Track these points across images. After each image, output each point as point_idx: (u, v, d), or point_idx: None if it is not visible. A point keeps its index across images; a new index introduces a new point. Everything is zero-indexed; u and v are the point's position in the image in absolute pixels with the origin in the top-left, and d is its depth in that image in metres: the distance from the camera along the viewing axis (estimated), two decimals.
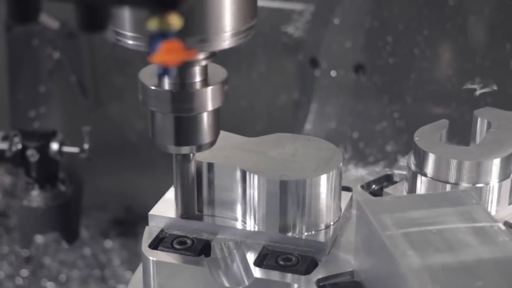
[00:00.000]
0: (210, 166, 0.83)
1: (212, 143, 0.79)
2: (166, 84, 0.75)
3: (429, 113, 1.34)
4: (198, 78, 0.76)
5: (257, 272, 0.78)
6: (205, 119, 0.77)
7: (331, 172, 0.81)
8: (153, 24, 0.58)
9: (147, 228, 0.85)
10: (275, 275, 0.77)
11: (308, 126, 1.41)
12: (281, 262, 0.79)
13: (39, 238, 1.51)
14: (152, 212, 0.86)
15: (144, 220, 0.86)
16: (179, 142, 0.77)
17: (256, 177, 0.80)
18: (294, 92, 1.43)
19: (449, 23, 1.31)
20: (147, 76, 0.77)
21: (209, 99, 0.76)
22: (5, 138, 1.31)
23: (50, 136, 1.30)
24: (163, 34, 0.59)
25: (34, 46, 1.54)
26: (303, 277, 0.77)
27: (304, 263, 0.79)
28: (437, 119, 0.91)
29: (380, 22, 1.34)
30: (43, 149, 1.29)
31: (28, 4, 0.58)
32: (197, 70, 0.75)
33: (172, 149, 0.78)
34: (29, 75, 1.56)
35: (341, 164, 0.83)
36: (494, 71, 1.31)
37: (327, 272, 0.78)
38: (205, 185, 0.84)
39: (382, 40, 1.34)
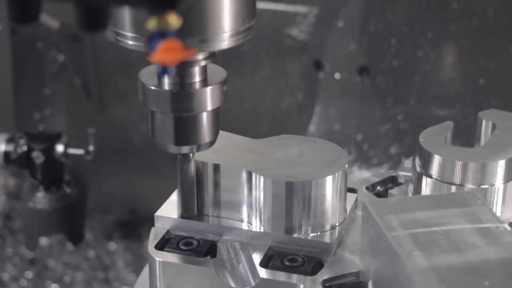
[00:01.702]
0: (216, 167, 0.83)
1: (212, 142, 0.80)
2: (166, 84, 0.76)
3: (433, 115, 1.34)
4: (197, 78, 0.76)
5: (263, 273, 0.78)
6: (205, 118, 0.78)
7: (336, 174, 0.81)
8: (152, 24, 0.59)
9: (153, 229, 0.85)
10: (281, 276, 0.78)
11: (312, 128, 1.41)
12: (287, 263, 0.79)
13: (43, 240, 1.51)
14: (158, 213, 0.86)
15: (148, 222, 0.87)
16: (179, 142, 0.78)
17: (262, 178, 0.80)
18: (298, 94, 1.43)
19: (453, 25, 1.31)
20: (147, 76, 0.78)
21: (209, 99, 0.77)
22: (10, 140, 1.31)
23: (55, 138, 1.30)
24: (162, 34, 0.60)
25: (39, 49, 1.54)
26: (309, 278, 0.77)
27: (310, 264, 0.79)
28: (441, 121, 0.91)
29: (384, 25, 1.34)
30: (49, 151, 1.29)
31: (29, 4, 0.59)
32: (196, 70, 0.76)
33: (172, 148, 0.79)
34: (33, 77, 1.56)
35: (347, 165, 0.83)
36: (498, 74, 1.31)
37: (332, 273, 0.78)
38: (211, 186, 0.84)
39: (386, 43, 1.34)
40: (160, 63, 0.62)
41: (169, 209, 0.86)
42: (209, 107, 0.77)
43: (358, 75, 1.38)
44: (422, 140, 0.87)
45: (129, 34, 0.73)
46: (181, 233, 0.84)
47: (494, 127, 0.90)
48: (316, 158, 0.84)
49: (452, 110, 1.33)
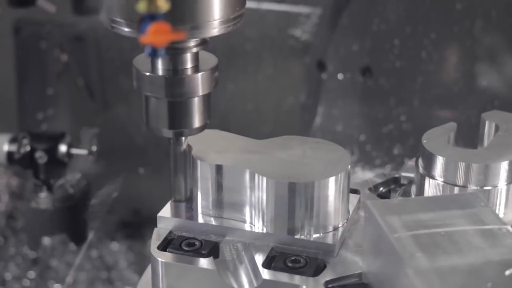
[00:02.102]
0: (219, 168, 0.83)
1: (203, 127, 0.83)
2: (160, 70, 0.79)
3: (436, 116, 1.34)
4: (189, 65, 0.79)
5: (265, 274, 0.78)
6: (196, 103, 0.81)
7: (339, 175, 0.81)
8: (141, 6, 0.62)
9: (155, 229, 0.85)
10: (283, 277, 0.78)
11: (315, 128, 1.41)
12: (290, 264, 0.79)
13: (46, 240, 1.51)
14: (161, 214, 0.86)
15: (151, 222, 0.87)
16: (172, 126, 0.81)
17: (264, 179, 0.80)
18: (301, 95, 1.43)
19: (456, 26, 1.31)
20: (141, 63, 0.80)
21: (200, 85, 0.80)
22: (13, 140, 1.31)
23: (59, 138, 1.31)
24: (151, 16, 0.63)
25: (42, 49, 1.54)
26: (311, 279, 0.77)
27: (312, 265, 0.79)
28: (444, 122, 0.91)
29: (387, 25, 1.34)
30: (52, 151, 1.30)
31: None
32: (188, 56, 0.79)
33: (166, 132, 0.82)
34: (37, 77, 1.57)
35: (349, 166, 0.83)
36: (501, 75, 1.31)
37: (335, 274, 0.78)
38: (213, 187, 0.84)
39: (389, 43, 1.34)
40: (150, 45, 0.64)
41: (172, 210, 0.86)
42: (200, 92, 0.80)
43: (361, 75, 1.37)
44: (425, 141, 0.87)
45: (124, 21, 0.75)
46: (183, 234, 0.84)
47: (497, 128, 0.90)
48: (319, 159, 0.84)
49: (455, 111, 1.33)
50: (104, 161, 1.36)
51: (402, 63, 1.35)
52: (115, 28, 0.76)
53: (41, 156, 1.29)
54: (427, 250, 0.69)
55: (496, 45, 1.30)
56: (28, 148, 1.30)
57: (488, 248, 0.69)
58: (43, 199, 1.33)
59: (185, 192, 0.87)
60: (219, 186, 0.84)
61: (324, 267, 0.79)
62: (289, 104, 1.45)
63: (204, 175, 0.84)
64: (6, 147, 1.31)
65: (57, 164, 1.31)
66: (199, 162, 0.84)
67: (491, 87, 1.32)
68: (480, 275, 0.66)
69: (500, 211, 0.85)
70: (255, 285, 0.78)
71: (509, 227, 0.72)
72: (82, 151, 1.31)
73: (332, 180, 0.80)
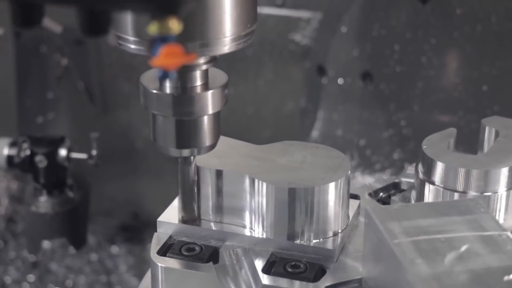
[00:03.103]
0: (219, 173, 0.83)
1: (213, 146, 0.80)
2: (168, 87, 0.76)
3: (436, 121, 1.34)
4: (199, 82, 0.77)
5: (265, 279, 0.78)
6: (206, 122, 0.78)
7: (339, 180, 0.81)
8: (153, 28, 0.60)
9: (155, 234, 0.85)
10: (283, 282, 0.78)
11: (315, 133, 1.41)
12: (289, 269, 0.79)
13: (46, 244, 1.51)
14: (161, 218, 0.86)
15: (150, 226, 0.87)
16: (180, 145, 0.78)
17: (264, 184, 0.80)
18: (301, 99, 1.43)
19: (457, 31, 1.31)
20: (148, 80, 0.78)
21: (210, 103, 0.77)
22: (13, 144, 1.31)
23: (58, 142, 1.31)
24: (163, 38, 0.60)
25: (42, 53, 1.54)
26: (311, 284, 0.77)
27: (312, 270, 0.79)
28: (444, 128, 0.91)
29: (387, 30, 1.34)
30: (51, 155, 1.29)
31: (31, 8, 0.59)
32: (198, 74, 0.77)
33: (173, 151, 0.79)
34: (37, 81, 1.57)
35: (349, 172, 0.83)
36: (501, 80, 1.31)
37: (335, 279, 0.78)
38: (213, 192, 0.84)
39: (389, 48, 1.34)
40: (161, 68, 0.62)
41: (172, 215, 0.86)
42: (210, 110, 0.77)
43: (361, 80, 1.37)
44: (425, 146, 0.87)
45: (131, 38, 0.73)
46: (183, 239, 0.84)
47: (497, 134, 0.90)
48: (319, 164, 0.84)
49: (455, 116, 1.33)
50: (104, 165, 1.36)
51: (403, 68, 1.35)
52: (122, 45, 0.74)
53: (41, 160, 1.29)
54: (427, 256, 0.69)
55: (496, 50, 1.30)
56: (28, 152, 1.30)
57: (488, 254, 0.69)
58: (43, 203, 1.33)
59: (193, 212, 0.85)
60: (219, 191, 0.84)
61: (324, 272, 0.79)
62: (289, 109, 1.45)
63: (204, 180, 0.84)
64: (6, 151, 1.31)
65: (57, 168, 1.31)
66: (199, 167, 0.84)
67: (491, 92, 1.32)
68: (479, 281, 0.66)
69: (500, 217, 0.85)
70: None
71: (509, 233, 0.72)
72: (82, 155, 1.31)
73: (332, 186, 0.80)
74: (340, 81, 1.39)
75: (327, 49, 1.38)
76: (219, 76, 0.79)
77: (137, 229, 1.61)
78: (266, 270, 0.79)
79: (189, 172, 0.82)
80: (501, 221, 0.84)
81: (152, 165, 1.56)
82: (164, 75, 0.64)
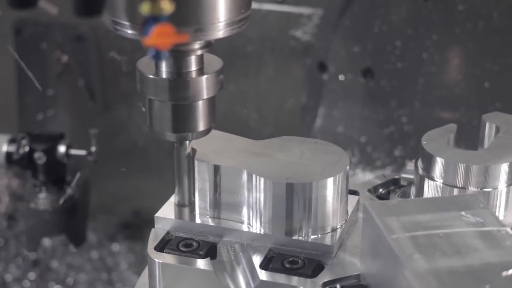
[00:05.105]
0: (217, 168, 0.83)
1: (208, 130, 0.81)
2: (164, 73, 0.78)
3: (437, 118, 1.34)
4: (194, 67, 0.78)
5: (263, 275, 0.78)
6: (201, 107, 0.79)
7: (337, 175, 0.81)
8: (145, 8, 0.61)
9: (153, 230, 0.85)
10: (281, 278, 0.77)
11: (315, 130, 1.41)
12: (287, 265, 0.79)
13: (46, 241, 1.51)
14: (158, 214, 0.86)
15: (151, 223, 0.86)
16: (176, 129, 0.80)
17: (262, 179, 0.80)
18: (302, 96, 1.43)
19: (458, 28, 1.30)
20: (145, 65, 0.79)
21: (204, 88, 0.78)
22: (12, 141, 1.31)
23: (58, 138, 1.30)
24: (155, 18, 0.61)
25: (43, 50, 1.54)
26: (309, 280, 0.77)
27: (310, 266, 0.78)
28: (445, 124, 0.90)
29: (389, 27, 1.33)
30: (51, 152, 1.29)
31: None
32: (193, 59, 0.78)
33: (169, 136, 0.80)
34: (37, 78, 1.56)
35: (348, 167, 0.83)
36: (503, 76, 1.30)
37: (333, 275, 0.78)
38: (211, 188, 0.84)
39: (390, 45, 1.34)
40: (153, 47, 0.63)
41: (169, 210, 0.86)
42: (205, 95, 0.79)
43: (362, 77, 1.37)
44: (424, 142, 0.87)
45: (128, 23, 0.73)
46: (181, 235, 0.84)
47: (497, 130, 0.89)
48: (317, 159, 0.83)
49: (456, 113, 1.33)
50: (105, 162, 1.35)
51: (404, 65, 1.34)
52: (118, 30, 0.75)
53: (40, 157, 1.28)
54: (425, 251, 0.68)
55: (498, 47, 1.30)
56: (27, 149, 1.29)
57: (486, 250, 0.68)
58: (42, 200, 1.33)
59: (189, 197, 0.86)
60: (216, 187, 0.83)
61: (322, 268, 0.79)
62: (290, 105, 1.45)
63: (201, 175, 0.84)
64: (5, 148, 1.31)
65: (56, 165, 1.31)
66: (196, 162, 0.84)
67: (493, 89, 1.31)
68: (478, 277, 0.65)
69: (500, 213, 0.84)
70: (253, 286, 0.78)
71: (508, 229, 0.71)
72: (81, 152, 1.30)
73: (330, 181, 0.80)
74: (341, 77, 1.38)
75: (328, 46, 1.38)
76: (214, 62, 0.81)
77: (137, 226, 1.61)
78: (264, 266, 0.79)
79: (185, 156, 0.83)
80: (501, 217, 0.84)
81: (153, 162, 1.56)
82: (156, 55, 0.65)
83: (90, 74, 1.54)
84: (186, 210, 0.86)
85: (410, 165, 0.94)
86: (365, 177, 0.94)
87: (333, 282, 0.77)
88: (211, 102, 0.80)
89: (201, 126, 0.81)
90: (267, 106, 1.46)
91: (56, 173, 1.32)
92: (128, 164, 1.59)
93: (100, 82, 1.55)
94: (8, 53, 1.53)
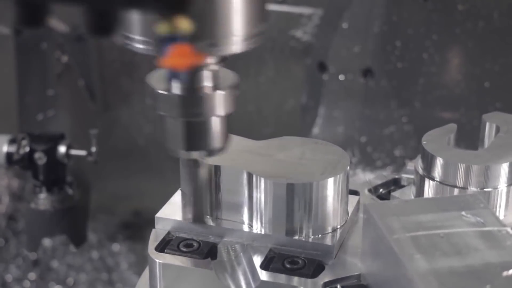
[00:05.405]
0: (217, 168, 0.83)
1: (222, 148, 0.78)
2: (176, 88, 0.74)
3: (438, 118, 1.34)
4: (208, 83, 0.74)
5: (263, 275, 0.78)
6: (216, 123, 0.76)
7: (338, 176, 0.81)
8: (162, 28, 0.58)
9: (153, 230, 0.85)
10: (281, 278, 0.77)
11: (316, 130, 1.41)
12: (288, 265, 0.78)
13: (46, 241, 1.51)
14: (159, 214, 0.86)
15: (151, 223, 0.86)
16: (189, 147, 0.76)
17: (263, 180, 0.80)
18: (302, 96, 1.43)
19: (458, 28, 1.30)
20: (155, 80, 0.76)
21: (220, 104, 0.74)
22: (13, 141, 1.31)
23: (58, 139, 1.30)
24: (173, 38, 0.58)
25: (43, 50, 1.54)
26: (309, 280, 0.77)
27: (310, 266, 0.78)
28: (446, 124, 0.90)
29: (389, 27, 1.33)
30: (51, 152, 1.29)
31: (36, 8, 0.58)
32: (207, 74, 0.74)
33: (182, 154, 0.77)
34: (37, 78, 1.56)
35: (348, 167, 0.82)
36: (503, 76, 1.30)
37: (333, 275, 0.78)
38: (211, 188, 0.84)
39: (390, 45, 1.34)
40: (171, 68, 0.60)
41: (170, 211, 0.86)
42: (220, 112, 0.75)
43: (362, 77, 1.37)
44: (425, 142, 0.86)
45: (138, 38, 0.71)
46: (181, 235, 0.84)
47: (498, 129, 0.89)
48: (318, 160, 0.83)
49: (456, 113, 1.33)
50: (105, 163, 1.35)
51: (404, 65, 1.35)
52: (129, 44, 0.71)
53: (40, 157, 1.29)
54: (426, 251, 0.68)
55: (498, 47, 1.30)
56: (27, 149, 1.29)
57: (487, 250, 0.68)
58: (43, 200, 1.33)
59: (201, 214, 0.83)
60: (217, 187, 0.83)
61: (323, 268, 0.78)
62: (290, 106, 1.45)
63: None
64: (5, 148, 1.31)
65: (56, 165, 1.31)
66: None
67: (493, 89, 1.31)
68: (479, 277, 0.65)
69: (501, 213, 0.84)
70: (253, 286, 0.78)
71: (509, 229, 0.71)
72: (81, 152, 1.30)
73: (330, 181, 0.80)
74: (341, 77, 1.38)
75: (328, 46, 1.38)
76: (229, 77, 0.77)
77: (138, 226, 1.61)
78: (264, 266, 0.79)
79: (198, 175, 0.81)
80: (501, 217, 0.84)
81: (153, 162, 1.56)
82: (173, 76, 0.62)
83: (90, 74, 1.54)
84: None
85: (410, 165, 0.94)
86: (366, 177, 0.94)
87: (333, 282, 0.77)
88: (227, 119, 0.76)
89: (216, 144, 0.76)
90: (267, 107, 1.46)
91: (56, 174, 1.32)
92: (128, 164, 1.59)
93: (100, 82, 1.55)
94: (8, 54, 1.53)
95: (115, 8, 0.58)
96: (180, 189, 0.86)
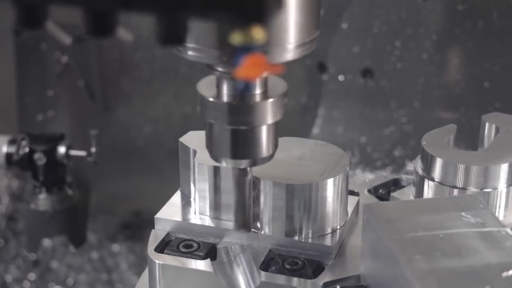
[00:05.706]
0: (216, 169, 0.83)
1: (270, 157, 0.76)
2: (225, 96, 0.73)
3: (437, 118, 1.34)
4: (258, 91, 0.73)
5: (263, 276, 0.78)
6: (264, 132, 0.75)
7: (337, 176, 0.81)
8: (236, 38, 0.56)
9: (153, 231, 0.85)
10: (281, 279, 0.77)
11: (315, 130, 1.41)
12: (288, 266, 0.79)
13: (46, 242, 1.51)
14: (158, 215, 0.86)
15: (151, 224, 0.86)
16: (236, 155, 0.75)
17: (262, 180, 0.80)
18: (301, 96, 1.42)
19: (458, 28, 1.30)
20: (205, 87, 0.75)
21: (269, 112, 0.73)
22: (12, 142, 1.31)
23: (58, 139, 1.30)
24: (246, 48, 0.57)
25: (42, 50, 1.54)
26: (309, 281, 0.77)
27: (310, 267, 0.78)
28: (445, 124, 0.90)
29: (388, 27, 1.33)
30: (50, 152, 1.29)
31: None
32: (257, 82, 0.73)
33: (229, 162, 0.76)
34: (37, 79, 1.56)
35: (348, 168, 0.83)
36: (503, 76, 1.30)
37: (333, 276, 0.78)
38: (211, 189, 0.84)
39: (390, 45, 1.34)
40: (244, 79, 0.60)
41: (170, 211, 0.86)
42: (269, 120, 0.74)
43: (362, 77, 1.37)
44: (424, 142, 0.86)
45: (190, 45, 0.70)
46: (181, 236, 0.84)
47: (497, 130, 0.89)
48: (317, 160, 0.83)
49: (456, 113, 1.33)
50: (105, 163, 1.35)
51: (404, 65, 1.34)
52: (181, 51, 0.71)
53: (39, 158, 1.28)
54: (426, 252, 0.68)
55: (498, 47, 1.29)
56: (26, 150, 1.29)
57: (487, 250, 0.68)
58: (42, 200, 1.33)
59: (248, 223, 0.81)
60: (216, 188, 0.83)
61: (322, 269, 0.79)
62: (289, 106, 1.43)
63: (201, 176, 0.84)
64: (4, 149, 1.31)
65: (56, 165, 1.31)
66: (196, 163, 0.83)
67: (493, 89, 1.31)
68: (478, 277, 0.65)
69: (500, 214, 0.84)
70: (253, 287, 0.78)
71: (508, 230, 0.71)
72: (81, 153, 1.30)
73: (330, 182, 0.80)
74: (341, 77, 1.38)
75: (327, 46, 1.38)
76: (278, 85, 0.76)
77: (138, 227, 1.61)
78: (264, 267, 0.79)
79: (245, 184, 0.78)
80: (501, 217, 0.84)
81: (153, 162, 1.56)
82: (245, 87, 0.61)
83: (90, 74, 1.53)
84: (187, 211, 0.86)
85: (409, 166, 0.94)
86: (365, 177, 0.94)
87: (333, 283, 0.77)
88: (275, 127, 0.76)
89: (264, 152, 0.75)
90: None
91: (56, 174, 1.32)
92: (128, 164, 1.59)
93: (100, 83, 1.55)
94: (8, 54, 1.53)
95: (190, 18, 0.56)
96: (180, 190, 0.86)
